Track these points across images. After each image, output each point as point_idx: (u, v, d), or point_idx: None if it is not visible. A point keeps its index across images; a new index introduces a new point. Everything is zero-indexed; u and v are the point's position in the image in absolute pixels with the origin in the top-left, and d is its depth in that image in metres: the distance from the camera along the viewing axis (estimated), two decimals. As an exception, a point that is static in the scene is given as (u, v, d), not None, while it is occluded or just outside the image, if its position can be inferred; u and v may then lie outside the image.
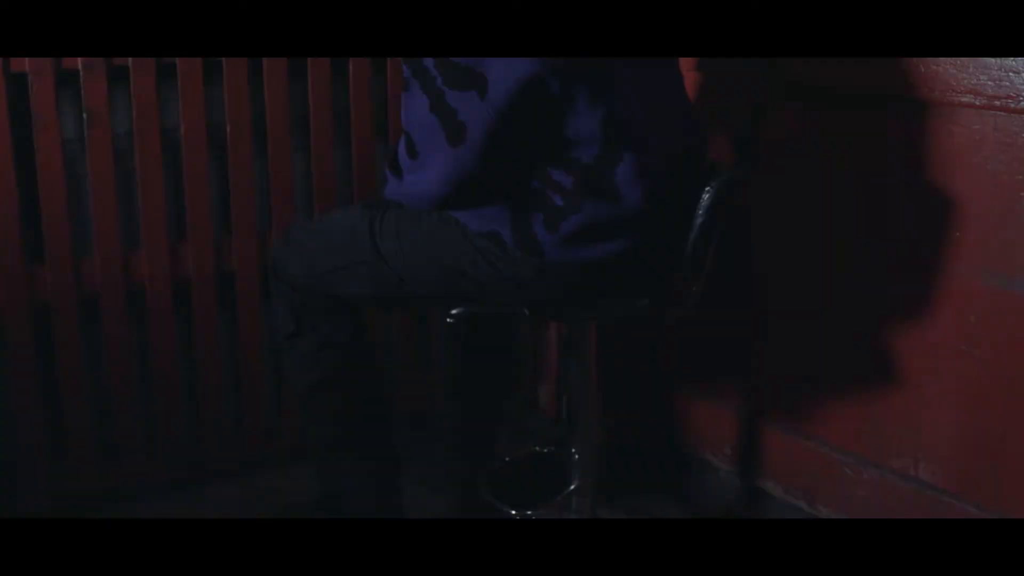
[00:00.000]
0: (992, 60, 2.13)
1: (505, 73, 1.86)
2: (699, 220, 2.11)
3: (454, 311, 2.18)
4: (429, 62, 1.89)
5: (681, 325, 2.47)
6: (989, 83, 2.14)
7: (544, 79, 1.87)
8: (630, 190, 1.99)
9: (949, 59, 2.18)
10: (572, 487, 2.41)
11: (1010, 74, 2.11)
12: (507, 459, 2.66)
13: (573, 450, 2.40)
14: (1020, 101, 2.11)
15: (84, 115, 2.63)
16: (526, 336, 3.13)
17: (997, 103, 2.14)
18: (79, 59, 2.59)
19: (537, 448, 2.72)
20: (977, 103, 2.17)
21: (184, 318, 2.86)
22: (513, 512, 2.43)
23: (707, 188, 2.09)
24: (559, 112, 1.93)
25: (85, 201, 2.71)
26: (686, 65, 2.55)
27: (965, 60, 2.16)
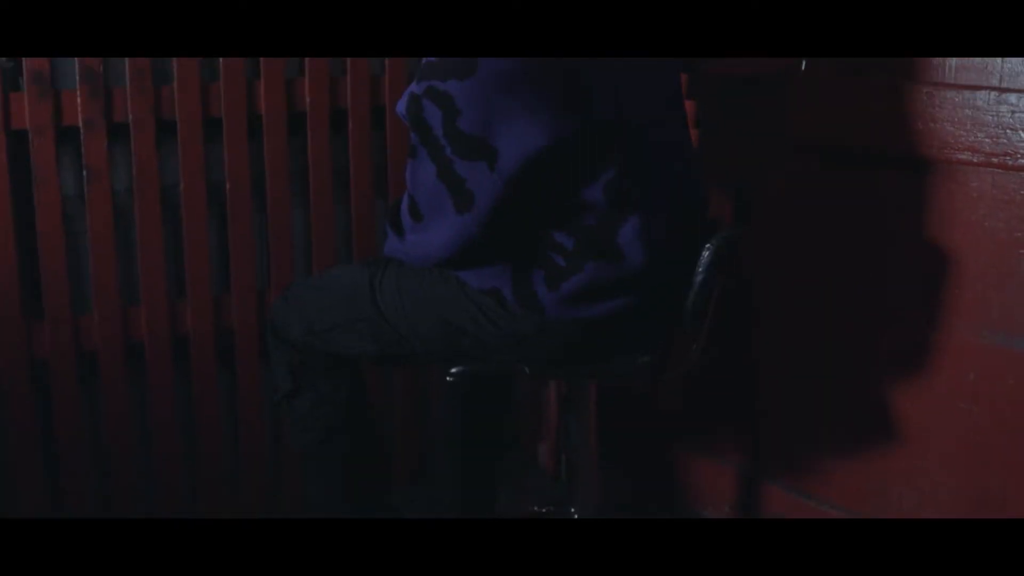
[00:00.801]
0: (989, 118, 2.14)
1: (516, 145, 1.86)
2: (699, 277, 2.11)
3: (454, 369, 2.18)
4: (438, 131, 1.88)
5: (681, 382, 2.46)
6: (987, 140, 2.15)
7: (554, 150, 1.87)
8: (633, 251, 1.99)
9: (947, 116, 2.19)
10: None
11: (1007, 131, 2.12)
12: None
13: (572, 510, 2.39)
14: (1018, 158, 2.12)
15: (84, 172, 2.64)
16: (526, 394, 3.12)
17: (995, 160, 2.15)
18: (80, 115, 2.60)
19: (536, 508, 2.70)
20: (975, 160, 2.18)
21: (183, 375, 2.86)
22: None
23: (708, 245, 2.09)
24: (566, 181, 1.93)
25: (84, 258, 2.72)
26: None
27: (963, 117, 2.17)
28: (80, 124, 2.61)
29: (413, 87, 1.92)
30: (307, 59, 2.83)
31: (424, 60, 1.92)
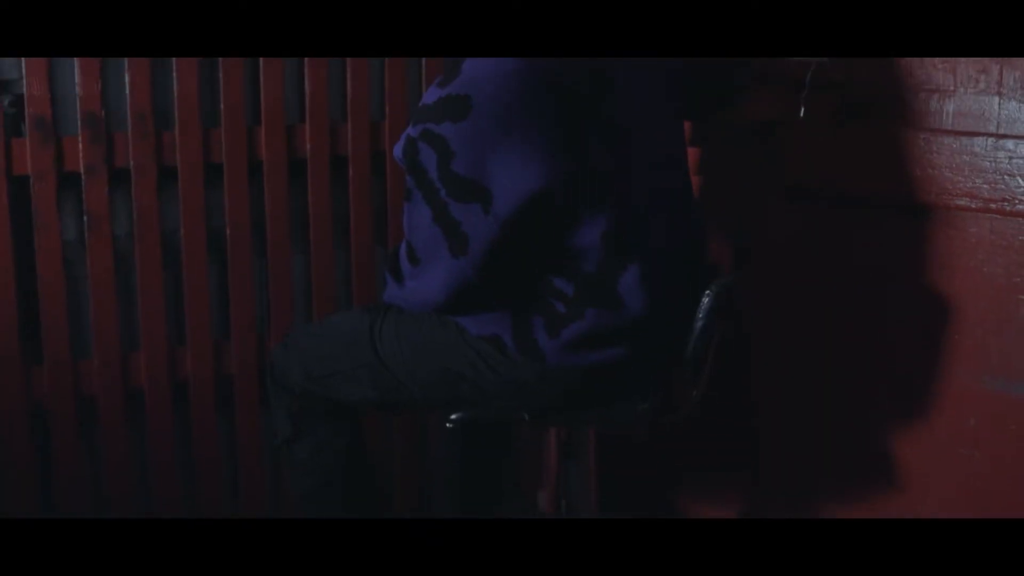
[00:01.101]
0: (987, 164, 2.15)
1: (510, 187, 1.87)
2: (700, 323, 2.11)
3: (454, 415, 2.17)
4: (433, 173, 1.89)
5: (681, 428, 2.45)
6: (984, 186, 2.16)
7: (548, 193, 1.88)
8: (633, 298, 1.99)
9: (945, 162, 2.20)
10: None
11: (1005, 177, 2.13)
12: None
13: (573, 555, 2.37)
14: (1016, 204, 2.13)
15: (85, 217, 2.64)
16: (525, 440, 3.11)
17: (993, 206, 2.15)
18: (81, 161, 2.61)
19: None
20: (973, 206, 2.19)
21: (183, 420, 2.85)
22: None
23: (707, 292, 2.10)
24: (561, 225, 1.93)
25: (84, 303, 2.72)
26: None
27: (961, 163, 2.18)
28: (81, 170, 2.62)
29: (409, 130, 1.93)
30: (308, 105, 2.85)
31: (420, 103, 1.93)
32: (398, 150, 1.95)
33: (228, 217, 2.80)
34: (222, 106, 2.76)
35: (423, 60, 3.00)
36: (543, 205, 1.89)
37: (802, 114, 2.36)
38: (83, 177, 2.63)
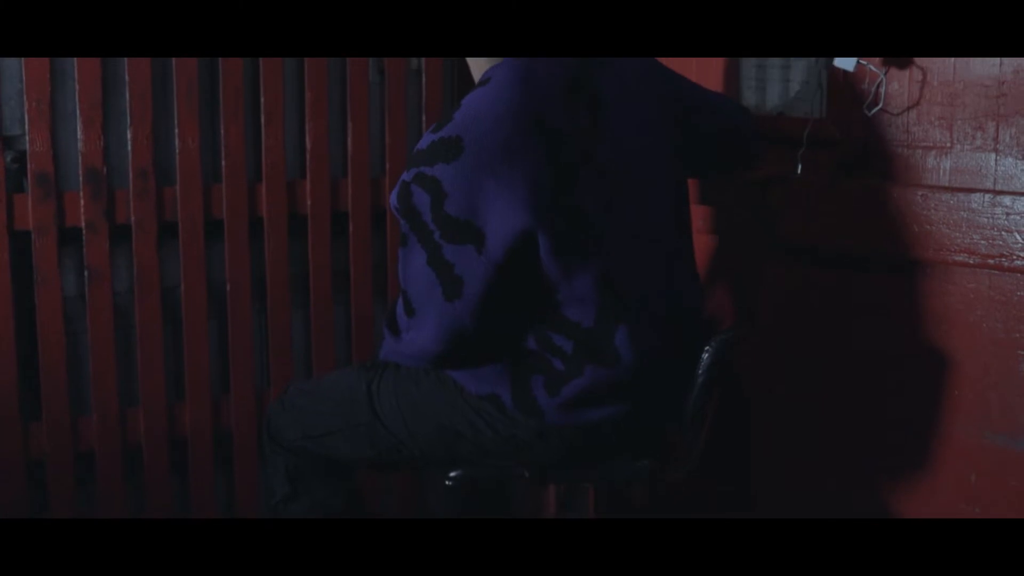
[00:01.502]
0: (984, 220, 2.15)
1: (502, 226, 1.87)
2: (700, 379, 2.10)
3: (453, 473, 2.15)
4: (427, 216, 1.89)
5: (680, 485, 2.44)
6: (982, 242, 2.16)
7: (536, 233, 1.88)
8: (631, 353, 1.98)
9: (942, 219, 2.21)
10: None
11: (1003, 233, 2.13)
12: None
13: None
14: (1014, 259, 2.13)
15: (85, 272, 2.65)
16: (524, 497, 3.09)
17: (991, 261, 2.16)
18: (82, 217, 2.62)
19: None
20: (971, 262, 2.19)
21: (181, 476, 2.84)
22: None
23: (706, 348, 2.09)
24: (554, 268, 1.93)
25: (84, 358, 2.72)
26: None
27: (958, 219, 2.18)
28: (82, 225, 2.63)
29: (403, 176, 1.93)
30: (308, 161, 2.86)
31: (415, 149, 1.94)
32: (393, 198, 1.95)
33: (228, 273, 2.81)
34: (223, 162, 2.78)
35: (423, 115, 3.02)
36: (533, 246, 1.90)
37: (799, 171, 2.37)
38: (84, 232, 2.64)
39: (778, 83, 2.50)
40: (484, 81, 1.96)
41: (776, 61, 2.49)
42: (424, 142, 1.92)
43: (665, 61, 2.20)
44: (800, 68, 2.44)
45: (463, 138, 1.87)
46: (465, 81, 3.04)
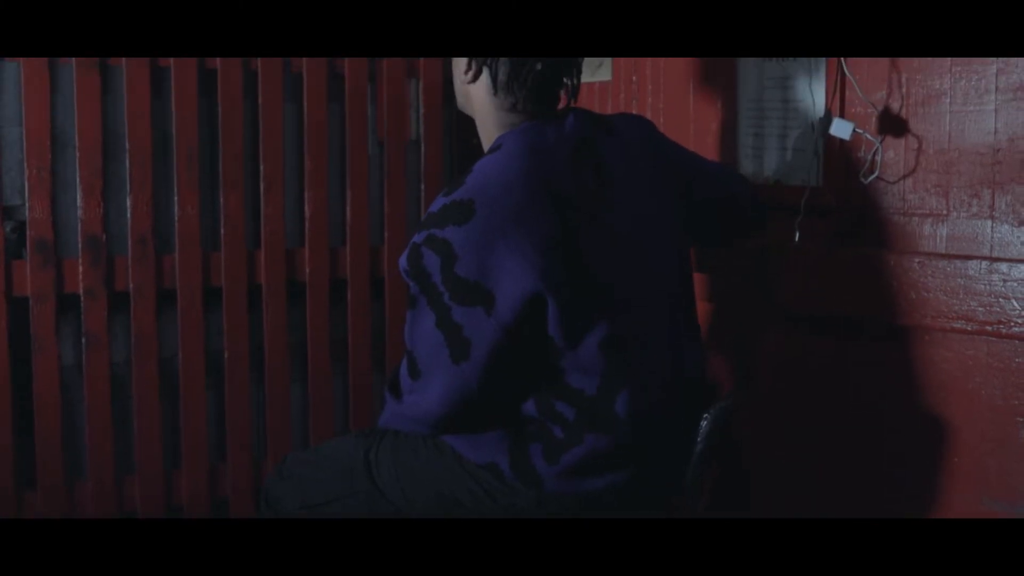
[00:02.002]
0: (982, 287, 2.15)
1: (512, 289, 1.87)
2: (699, 447, 2.08)
3: (450, 540, 2.14)
4: (437, 277, 1.89)
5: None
6: (980, 309, 2.16)
7: (546, 298, 1.89)
8: (631, 420, 1.97)
9: (939, 286, 2.21)
10: None
11: (1000, 300, 2.14)
12: None
13: None
14: (1011, 326, 2.13)
15: (83, 339, 2.65)
16: (523, 565, 3.07)
17: (989, 328, 2.15)
18: (81, 284, 2.63)
19: None
20: (969, 328, 2.19)
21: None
22: None
23: (706, 415, 2.08)
24: (560, 334, 1.93)
25: (80, 426, 2.71)
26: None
27: (955, 287, 2.19)
28: (81, 292, 2.63)
29: (414, 238, 1.94)
30: (307, 229, 2.87)
31: (426, 212, 1.95)
32: (403, 260, 1.95)
33: (227, 341, 2.81)
34: (223, 230, 2.79)
35: (422, 184, 3.04)
36: (542, 309, 1.90)
37: (797, 239, 2.38)
38: (82, 299, 2.64)
39: (775, 151, 2.51)
40: (495, 148, 1.98)
41: (774, 130, 2.51)
42: (436, 205, 1.93)
43: (668, 114, 2.21)
44: (796, 136, 2.45)
45: (475, 201, 1.88)
46: (464, 152, 3.07)
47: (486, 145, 2.06)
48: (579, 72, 2.05)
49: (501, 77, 1.98)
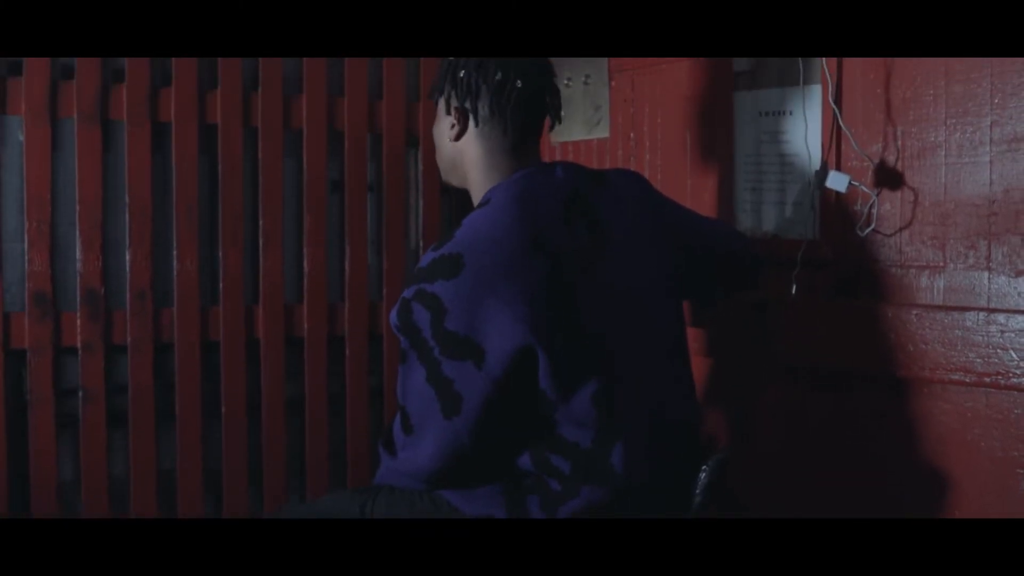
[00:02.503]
0: (979, 338, 2.14)
1: (502, 343, 1.86)
2: (696, 500, 2.07)
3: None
4: (427, 332, 1.88)
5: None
6: (978, 360, 2.15)
7: (536, 350, 1.88)
8: (627, 472, 1.95)
9: (937, 337, 2.20)
10: None
11: (998, 351, 2.13)
12: None
13: None
14: (1010, 378, 2.12)
15: (80, 393, 2.65)
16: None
17: (987, 380, 2.14)
18: (79, 337, 2.63)
19: None
20: (967, 380, 2.18)
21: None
22: None
23: (704, 468, 2.06)
24: (552, 387, 1.93)
25: (77, 480, 2.69)
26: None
27: (953, 338, 2.18)
28: (79, 345, 2.63)
29: (404, 293, 1.93)
30: (306, 285, 2.88)
31: (416, 267, 1.94)
32: (393, 315, 1.95)
33: (224, 395, 2.80)
34: (221, 284, 2.80)
35: (420, 241, 3.05)
36: (533, 363, 1.88)
37: (794, 291, 2.38)
38: (80, 353, 2.63)
39: (772, 205, 2.52)
40: (484, 202, 1.97)
41: (770, 184, 2.52)
42: (425, 260, 1.92)
43: (665, 168, 2.21)
44: (793, 190, 2.46)
45: (463, 255, 1.87)
46: (461, 208, 3.07)
47: (476, 199, 2.07)
48: (558, 93, 2.08)
49: (483, 111, 2.00)
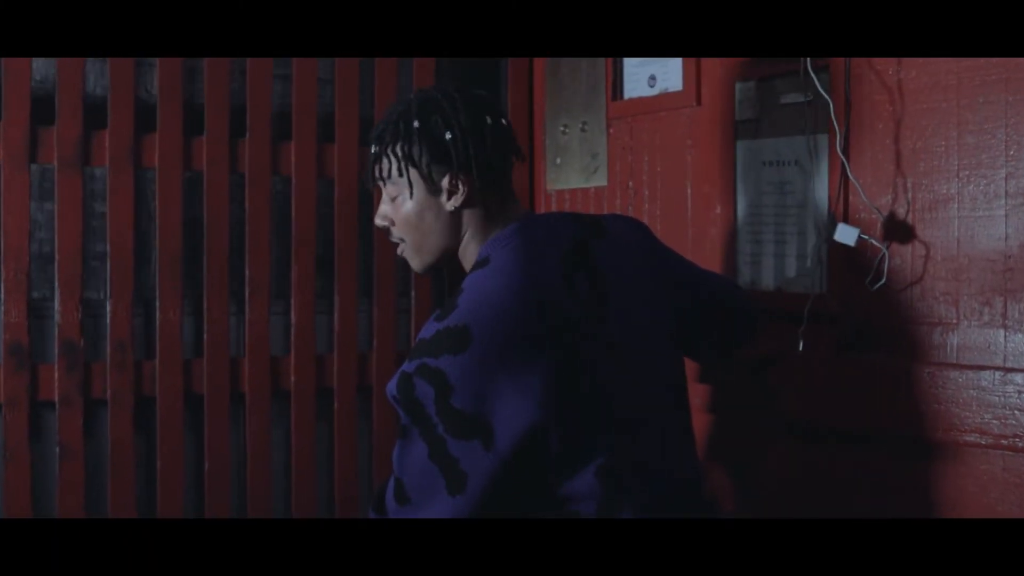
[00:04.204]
0: (995, 399, 2.07)
1: (512, 422, 1.78)
2: (698, 564, 2.00)
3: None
4: (430, 409, 1.79)
5: None
6: (994, 421, 2.08)
7: (545, 429, 1.80)
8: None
9: (951, 397, 2.13)
10: None
11: (1015, 412, 2.05)
12: None
13: None
14: (1027, 440, 2.05)
15: (57, 449, 2.56)
16: None
17: (1004, 442, 2.07)
18: (56, 390, 2.55)
19: None
20: (983, 442, 2.10)
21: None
22: None
23: (707, 530, 2.00)
24: (559, 463, 1.84)
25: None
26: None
27: (968, 398, 2.11)
28: (56, 399, 2.55)
29: (404, 367, 1.84)
30: (293, 337, 2.81)
31: (417, 338, 1.86)
32: (392, 387, 1.86)
33: (208, 450, 2.72)
34: (205, 336, 2.72)
35: (412, 292, 2.98)
36: (543, 440, 1.80)
37: (801, 347, 2.31)
38: (57, 407, 2.55)
39: (775, 258, 2.46)
40: (483, 262, 1.88)
41: (773, 236, 2.46)
42: (428, 331, 1.83)
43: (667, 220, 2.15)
44: (798, 242, 2.40)
45: (471, 328, 1.78)
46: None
47: (470, 263, 1.96)
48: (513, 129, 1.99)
49: (478, 167, 1.88)
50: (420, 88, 2.00)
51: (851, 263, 2.28)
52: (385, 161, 1.90)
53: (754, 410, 2.46)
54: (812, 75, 2.26)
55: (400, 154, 1.88)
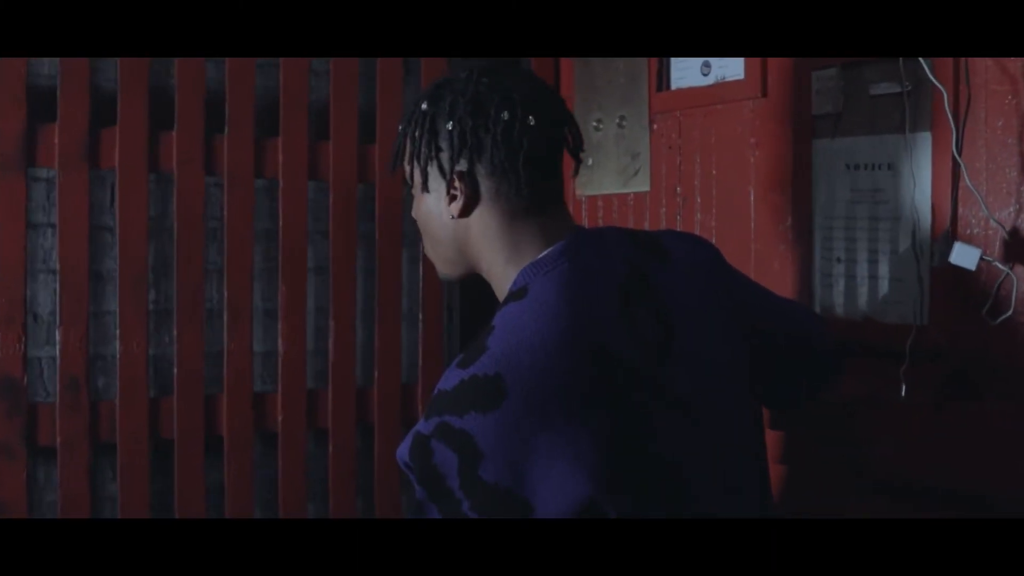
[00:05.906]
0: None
1: (557, 499, 1.49)
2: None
3: None
4: (454, 481, 1.50)
5: None
6: None
7: (600, 505, 1.50)
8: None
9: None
10: None
11: None
12: None
13: None
14: None
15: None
16: None
17: None
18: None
19: None
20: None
21: None
22: None
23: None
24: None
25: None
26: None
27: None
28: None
29: (420, 426, 1.52)
30: (280, 372, 2.56)
31: (437, 388, 1.52)
32: (403, 452, 1.56)
33: (178, 506, 2.46)
34: (176, 371, 2.46)
35: (420, 314, 2.72)
36: (594, 516, 1.52)
37: (903, 392, 2.03)
38: (-3, 458, 2.31)
39: (862, 280, 2.20)
40: (519, 292, 1.59)
41: (860, 255, 2.20)
42: (450, 381, 1.53)
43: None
44: (892, 263, 2.14)
45: (504, 378, 1.48)
46: (464, 283, 2.74)
47: (502, 291, 1.66)
48: (577, 125, 1.68)
49: (484, 167, 1.58)
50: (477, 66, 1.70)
51: (961, 289, 2.02)
52: (398, 152, 1.71)
53: (836, 464, 2.19)
54: (917, 61, 1.94)
55: (405, 146, 1.69)
